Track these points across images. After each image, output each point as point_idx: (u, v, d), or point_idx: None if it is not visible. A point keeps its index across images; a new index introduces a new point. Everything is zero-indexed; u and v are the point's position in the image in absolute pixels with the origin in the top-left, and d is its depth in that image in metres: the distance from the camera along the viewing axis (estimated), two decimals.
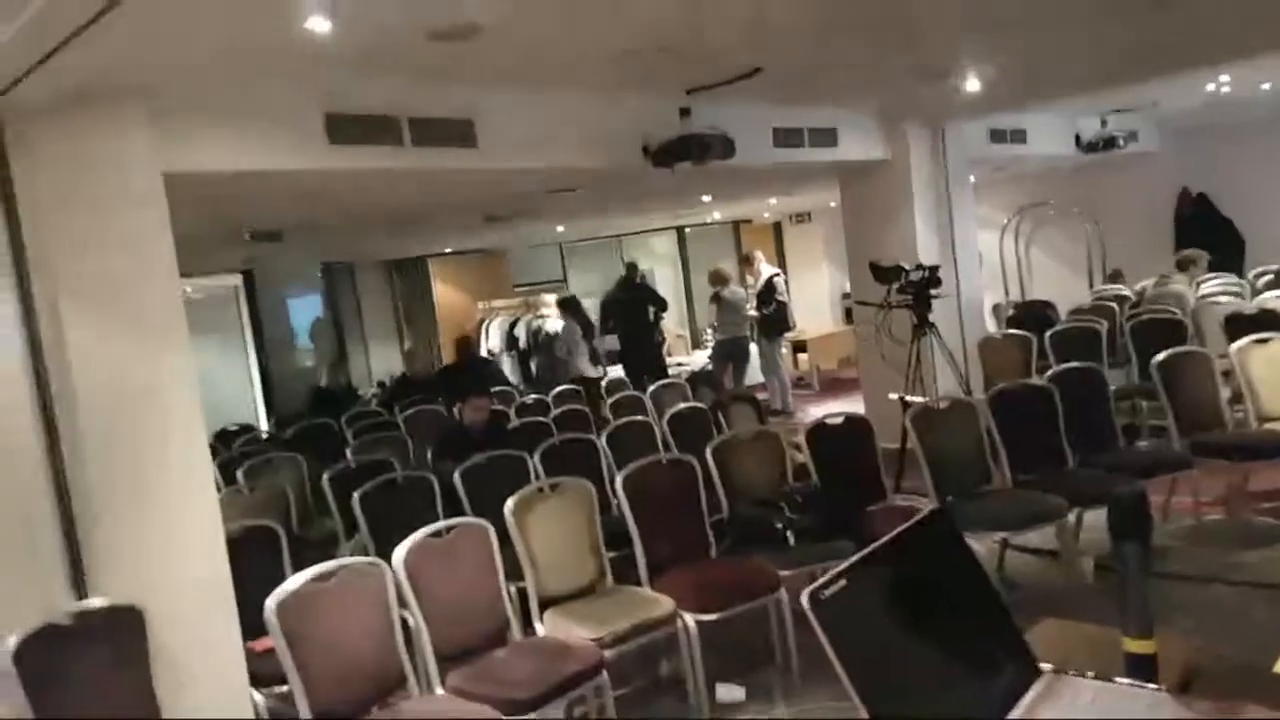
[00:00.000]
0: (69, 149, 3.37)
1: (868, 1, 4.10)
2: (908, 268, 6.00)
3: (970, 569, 1.25)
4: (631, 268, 10.53)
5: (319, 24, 3.32)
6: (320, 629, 3.06)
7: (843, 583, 1.06)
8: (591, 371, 10.26)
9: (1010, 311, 9.00)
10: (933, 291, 6.03)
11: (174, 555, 3.50)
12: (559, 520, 4.00)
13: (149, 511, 3.47)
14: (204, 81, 3.75)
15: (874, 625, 1.08)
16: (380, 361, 11.88)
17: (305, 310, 11.94)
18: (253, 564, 3.81)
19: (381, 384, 10.81)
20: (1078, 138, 8.22)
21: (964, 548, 1.24)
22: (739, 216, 14.14)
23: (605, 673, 3.39)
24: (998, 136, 8.10)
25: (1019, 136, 8.30)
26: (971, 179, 8.22)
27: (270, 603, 2.99)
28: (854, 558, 1.10)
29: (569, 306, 11.06)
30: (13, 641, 2.79)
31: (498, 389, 8.16)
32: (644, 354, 9.71)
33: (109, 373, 3.40)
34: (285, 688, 3.14)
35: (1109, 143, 8.16)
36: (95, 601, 3.15)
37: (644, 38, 4.20)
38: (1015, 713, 1.15)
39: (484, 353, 11.96)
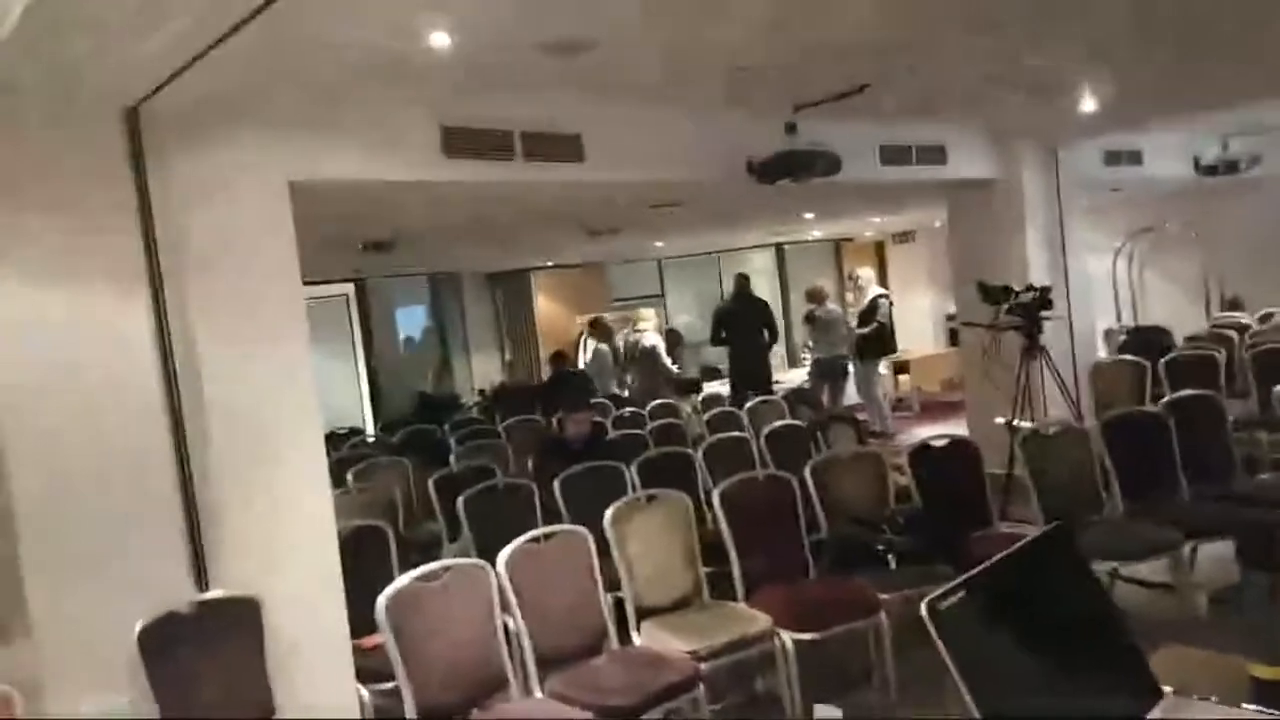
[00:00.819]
0: (201, 157, 3.56)
1: (982, 18, 4.05)
2: (1017, 289, 5.87)
3: (1091, 586, 1.24)
4: (743, 279, 10.19)
5: (440, 39, 3.46)
6: (427, 627, 3.15)
7: (962, 593, 1.06)
8: (617, 393, 10.35)
9: (1123, 337, 8.70)
10: (1044, 313, 5.89)
11: (290, 551, 3.65)
12: (656, 532, 4.03)
13: (268, 508, 3.63)
14: (328, 94, 3.92)
15: (992, 637, 1.09)
16: (482, 370, 12.15)
17: (411, 319, 12.31)
18: (362, 563, 3.95)
19: (482, 392, 11.04)
20: (1196, 160, 7.89)
21: (1084, 565, 1.23)
22: (840, 234, 14.00)
23: (701, 686, 3.41)
24: (1113, 158, 7.85)
25: (1135, 158, 8.02)
26: (1085, 200, 7.99)
27: (381, 600, 3.10)
28: (974, 570, 1.11)
29: (600, 329, 11.13)
30: (138, 627, 2.96)
31: (596, 400, 8.25)
32: (753, 369, 9.58)
33: (235, 374, 3.58)
34: (389, 685, 3.24)
35: (1230, 166, 7.81)
36: (216, 592, 3.32)
37: (753, 55, 4.23)
38: None
39: (580, 364, 12.11)
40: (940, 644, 1.04)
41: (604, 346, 11.05)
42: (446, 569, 3.33)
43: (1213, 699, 1.21)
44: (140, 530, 3.40)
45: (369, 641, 3.60)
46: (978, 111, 6.26)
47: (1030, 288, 5.86)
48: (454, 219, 6.97)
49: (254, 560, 3.53)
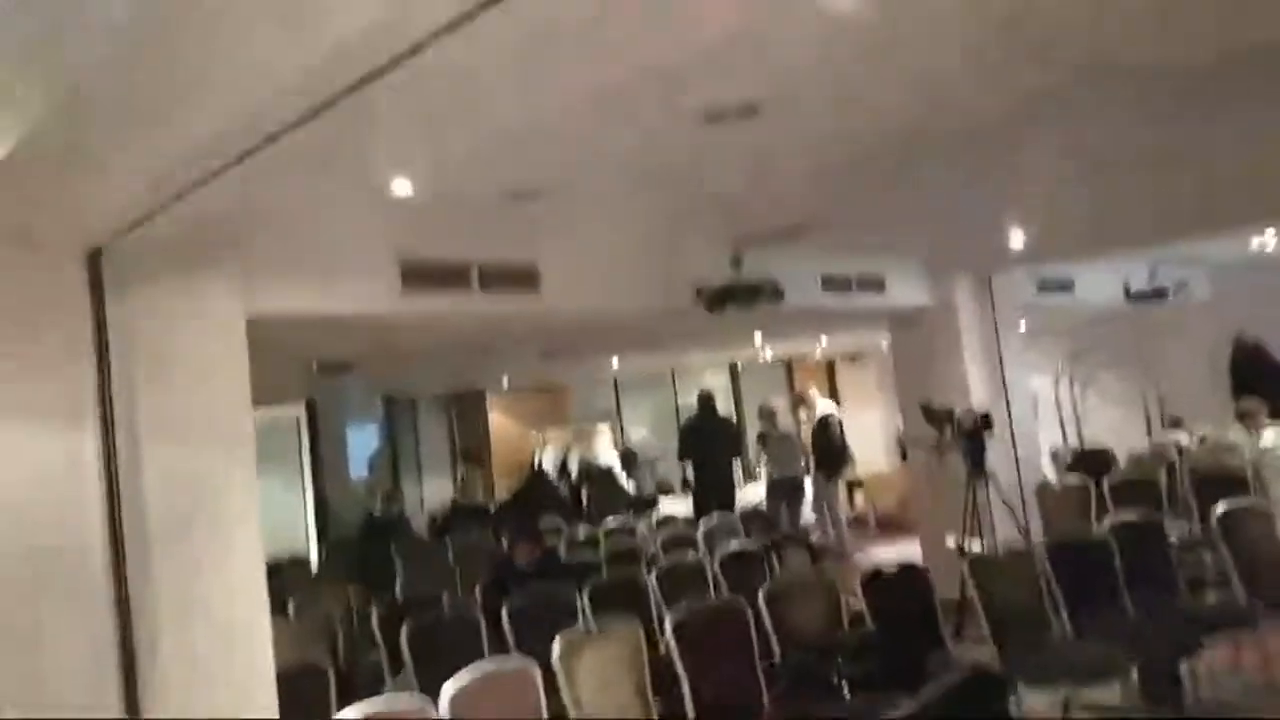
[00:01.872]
0: (160, 292, 3.61)
1: (914, 163, 4.28)
2: (958, 412, 6.01)
3: None
4: (707, 396, 10.14)
5: (402, 187, 3.57)
6: None
7: None
8: None
9: (1068, 459, 8.86)
10: (986, 434, 6.02)
11: (226, 687, 3.54)
12: (607, 665, 3.95)
13: (206, 638, 3.53)
14: (288, 232, 4.01)
15: None
16: (434, 491, 11.96)
17: (363, 440, 12.13)
18: (299, 702, 3.80)
19: (434, 518, 10.85)
20: (1126, 287, 8.23)
21: (1003, 707, 1.24)
22: (791, 354, 14.23)
23: None
24: (1045, 286, 8.16)
25: (1066, 286, 8.34)
26: (1022, 325, 8.25)
27: None
28: (898, 715, 1.12)
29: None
30: None
31: (550, 524, 8.13)
32: (717, 485, 9.57)
33: (180, 501, 3.55)
34: None
35: (1158, 293, 8.15)
36: None
37: (698, 197, 4.42)
38: None
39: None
40: None
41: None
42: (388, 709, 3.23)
43: None
44: (72, 657, 3.29)
45: None
46: (913, 244, 6.52)
47: (970, 412, 5.99)
48: (410, 345, 7.01)
49: (188, 694, 3.42)
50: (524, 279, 4.80)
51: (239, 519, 3.70)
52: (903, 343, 7.68)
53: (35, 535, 3.28)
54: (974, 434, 5.86)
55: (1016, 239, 5.97)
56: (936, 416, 5.97)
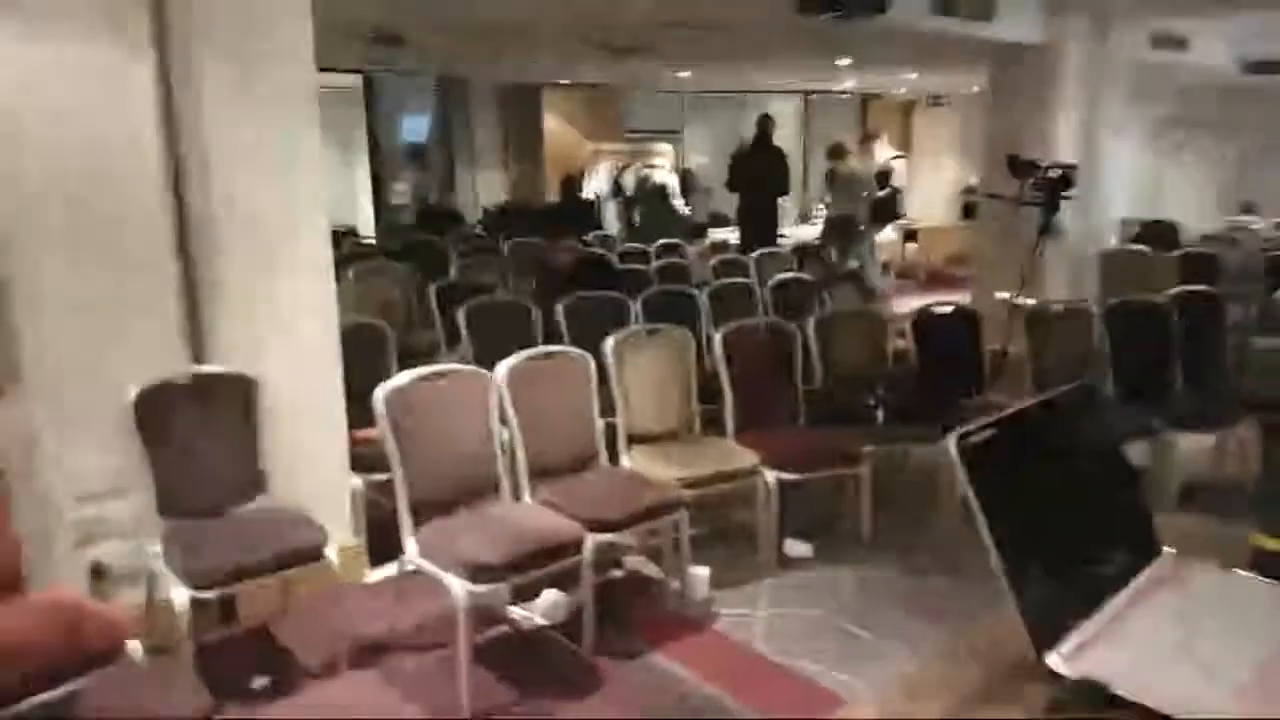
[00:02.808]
0: None
1: None
2: (1043, 164, 5.76)
3: (1110, 443, 1.27)
4: (766, 122, 9.45)
5: None
6: (424, 425, 3.19)
7: (991, 432, 1.07)
8: None
9: (1137, 228, 8.64)
10: (1065, 193, 5.81)
11: (291, 331, 3.61)
12: (656, 364, 4.07)
13: (271, 284, 3.54)
14: None
15: (1014, 477, 1.10)
16: (485, 187, 11.87)
17: (417, 125, 11.90)
18: (361, 359, 3.96)
19: (486, 210, 10.87)
20: (1243, 58, 7.63)
21: (1106, 422, 1.24)
22: (871, 88, 13.51)
23: (685, 510, 3.52)
24: (1159, 41, 7.58)
25: (1181, 44, 7.74)
26: (1124, 84, 7.76)
27: (380, 392, 3.13)
28: (1005, 412, 1.12)
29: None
30: (133, 393, 3.01)
31: (601, 233, 8.14)
32: (762, 219, 9.38)
33: (243, 142, 3.43)
34: (383, 477, 3.31)
35: (1275, 65, 7.57)
36: (213, 366, 3.34)
37: None
38: (1135, 583, 1.18)
39: (589, 195, 11.93)
40: (964, 476, 1.05)
41: None
42: (448, 371, 3.38)
43: (1212, 564, 1.24)
44: (136, 303, 3.33)
45: (364, 434, 3.66)
46: None
47: (1056, 165, 5.75)
48: (469, 13, 6.60)
49: (254, 337, 3.49)
50: None
51: (303, 163, 3.60)
52: (1001, 83, 7.23)
53: (98, 166, 3.20)
54: (1053, 190, 5.65)
55: None
56: (1021, 167, 5.73)
